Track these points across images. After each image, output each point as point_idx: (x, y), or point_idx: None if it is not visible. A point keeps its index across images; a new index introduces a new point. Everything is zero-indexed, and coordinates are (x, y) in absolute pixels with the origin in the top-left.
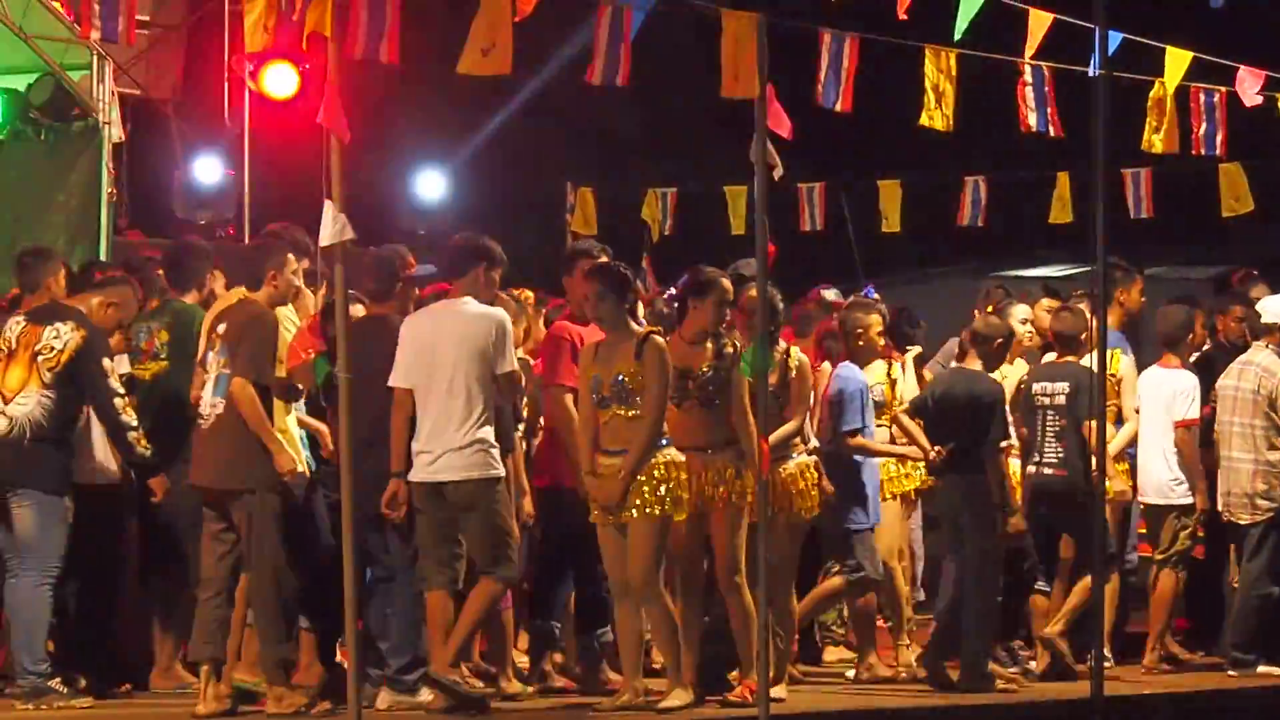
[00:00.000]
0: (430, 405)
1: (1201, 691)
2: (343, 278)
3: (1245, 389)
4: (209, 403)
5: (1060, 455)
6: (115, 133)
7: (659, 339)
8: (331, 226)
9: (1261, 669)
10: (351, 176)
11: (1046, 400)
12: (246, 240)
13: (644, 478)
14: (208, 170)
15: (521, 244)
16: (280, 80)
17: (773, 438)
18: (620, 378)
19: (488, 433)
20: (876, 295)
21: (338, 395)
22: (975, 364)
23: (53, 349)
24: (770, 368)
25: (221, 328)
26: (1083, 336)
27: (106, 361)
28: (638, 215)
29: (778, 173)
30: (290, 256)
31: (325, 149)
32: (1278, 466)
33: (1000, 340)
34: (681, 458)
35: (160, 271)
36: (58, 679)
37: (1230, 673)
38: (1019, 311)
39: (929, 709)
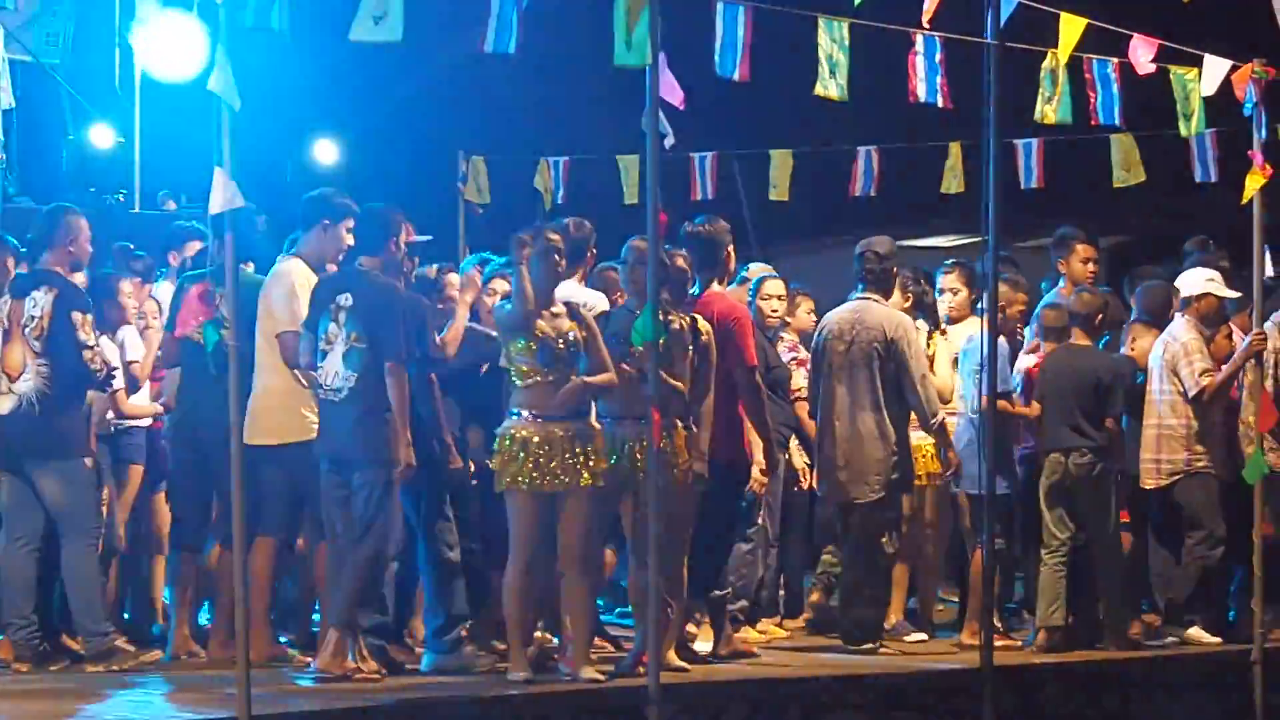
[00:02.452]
0: None
1: (1086, 661)
2: (232, 245)
3: (1159, 357)
4: (340, 375)
5: None
6: (4, 99)
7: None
8: (222, 193)
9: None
10: (243, 144)
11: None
12: (137, 209)
13: (581, 451)
14: (98, 137)
15: (419, 212)
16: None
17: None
18: (572, 335)
19: None
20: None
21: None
22: (1083, 340)
23: (33, 318)
24: (662, 336)
25: (346, 299)
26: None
27: (77, 315)
28: (530, 184)
29: (669, 142)
30: (409, 225)
31: (216, 116)
32: (1178, 432)
33: (1099, 314)
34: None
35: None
36: (124, 638)
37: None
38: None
39: (825, 679)
